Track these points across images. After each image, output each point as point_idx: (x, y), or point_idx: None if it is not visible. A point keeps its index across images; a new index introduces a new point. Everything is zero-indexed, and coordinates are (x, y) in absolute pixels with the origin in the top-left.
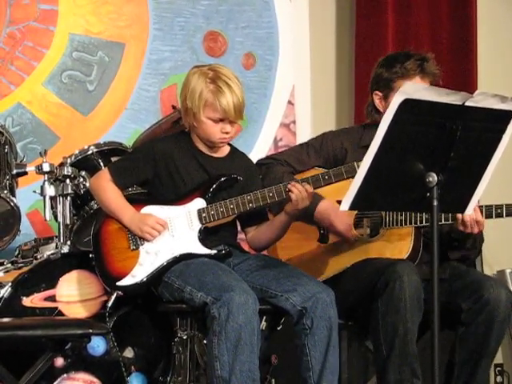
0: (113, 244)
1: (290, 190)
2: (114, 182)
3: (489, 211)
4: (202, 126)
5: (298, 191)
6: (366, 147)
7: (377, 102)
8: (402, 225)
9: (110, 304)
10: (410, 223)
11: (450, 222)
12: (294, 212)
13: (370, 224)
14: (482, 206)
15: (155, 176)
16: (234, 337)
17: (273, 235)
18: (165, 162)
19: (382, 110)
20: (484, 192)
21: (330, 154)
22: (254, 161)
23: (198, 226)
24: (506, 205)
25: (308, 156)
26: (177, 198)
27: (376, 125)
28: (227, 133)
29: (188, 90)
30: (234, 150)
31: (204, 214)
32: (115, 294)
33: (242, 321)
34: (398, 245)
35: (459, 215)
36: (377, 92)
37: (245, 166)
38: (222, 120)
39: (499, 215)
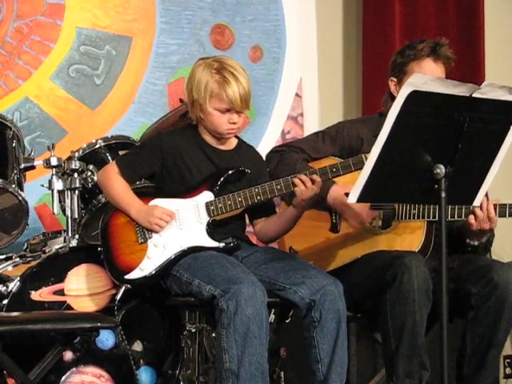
0: (121, 237)
1: (293, 183)
2: (122, 175)
3: (503, 210)
4: (208, 117)
5: (302, 182)
6: None
7: (392, 88)
8: (414, 218)
9: (118, 297)
10: (423, 217)
11: (463, 218)
12: (300, 204)
13: (383, 216)
14: (496, 205)
15: (163, 169)
16: (242, 329)
17: (281, 228)
18: (172, 154)
19: (395, 94)
20: (491, 184)
21: (345, 142)
22: (262, 153)
23: (206, 218)
24: None
25: (324, 144)
26: (185, 190)
27: None
28: (234, 123)
29: (194, 82)
30: (241, 142)
31: (212, 207)
32: (123, 288)
33: (251, 313)
34: (409, 238)
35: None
36: (392, 78)
37: (252, 159)
38: (228, 110)
39: None
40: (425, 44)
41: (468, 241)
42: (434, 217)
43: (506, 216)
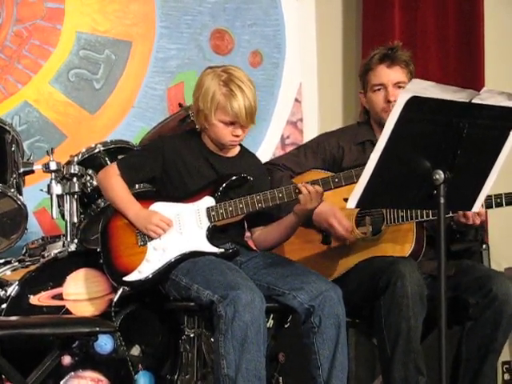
0: (121, 239)
1: (299, 190)
2: (122, 177)
3: (488, 201)
4: (213, 128)
5: (307, 191)
6: (362, 144)
7: (362, 100)
8: (403, 221)
9: (115, 299)
10: (412, 219)
11: (451, 214)
12: (302, 212)
13: (372, 222)
14: None
15: (163, 173)
16: (240, 335)
17: (280, 236)
18: (173, 159)
19: (366, 106)
20: (491, 189)
21: (327, 154)
22: (262, 159)
23: (206, 224)
24: (505, 194)
25: (306, 158)
26: (186, 195)
27: (368, 122)
28: (237, 136)
29: (201, 92)
30: (243, 149)
31: (213, 213)
32: (121, 290)
33: (249, 319)
34: (400, 241)
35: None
36: (360, 91)
37: (254, 166)
38: (232, 123)
39: (499, 204)
40: (376, 52)
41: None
42: (422, 217)
43: (492, 207)
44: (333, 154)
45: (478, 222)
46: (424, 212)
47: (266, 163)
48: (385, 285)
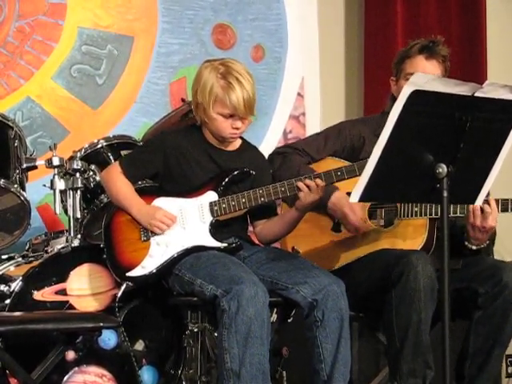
0: (124, 234)
1: (297, 187)
2: (125, 174)
3: (504, 205)
4: (212, 121)
5: (306, 186)
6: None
7: (392, 87)
8: (416, 216)
9: (119, 295)
10: (425, 215)
11: (459, 213)
12: (303, 207)
13: (385, 214)
14: (498, 200)
15: (166, 169)
16: (243, 329)
17: (282, 230)
18: (176, 154)
19: (395, 94)
20: (494, 183)
21: (347, 142)
22: (264, 153)
23: (209, 218)
24: None
25: (325, 144)
26: (189, 190)
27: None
28: (237, 128)
29: (199, 85)
30: (245, 143)
31: (216, 207)
32: (124, 285)
33: (252, 313)
34: (411, 236)
35: (471, 206)
36: (392, 78)
37: (256, 160)
38: (232, 116)
39: None
40: (417, 42)
41: (466, 243)
42: (436, 214)
43: (508, 211)
44: (353, 143)
45: (490, 223)
46: (439, 209)
47: (286, 146)
48: (397, 276)
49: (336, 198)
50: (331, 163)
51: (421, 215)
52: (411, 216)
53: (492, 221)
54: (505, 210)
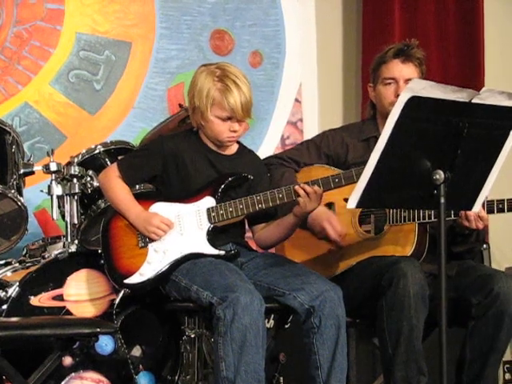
0: (122, 241)
1: (297, 193)
2: (122, 178)
3: (490, 206)
4: (209, 124)
5: (306, 193)
6: (366, 140)
7: (370, 94)
8: (406, 221)
9: (116, 301)
10: (414, 219)
11: (453, 217)
12: (301, 214)
13: (375, 221)
14: (483, 202)
15: (164, 173)
16: (239, 338)
17: (280, 235)
18: (174, 158)
19: (374, 100)
20: (491, 189)
21: (331, 150)
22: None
23: (206, 225)
24: (507, 199)
25: (309, 153)
26: (186, 195)
27: (373, 119)
28: (235, 131)
29: (195, 89)
30: (242, 147)
31: (213, 214)
32: (122, 292)
33: (248, 322)
34: (402, 242)
35: (462, 211)
36: (369, 84)
37: (253, 164)
38: (229, 118)
39: (501, 210)
40: (392, 46)
41: (451, 248)
42: (424, 218)
43: (494, 212)
44: (336, 151)
45: (480, 226)
46: (426, 213)
47: (270, 157)
48: (387, 284)
49: (315, 214)
50: (321, 171)
51: (409, 220)
52: (400, 221)
53: (483, 223)
54: (490, 211)
